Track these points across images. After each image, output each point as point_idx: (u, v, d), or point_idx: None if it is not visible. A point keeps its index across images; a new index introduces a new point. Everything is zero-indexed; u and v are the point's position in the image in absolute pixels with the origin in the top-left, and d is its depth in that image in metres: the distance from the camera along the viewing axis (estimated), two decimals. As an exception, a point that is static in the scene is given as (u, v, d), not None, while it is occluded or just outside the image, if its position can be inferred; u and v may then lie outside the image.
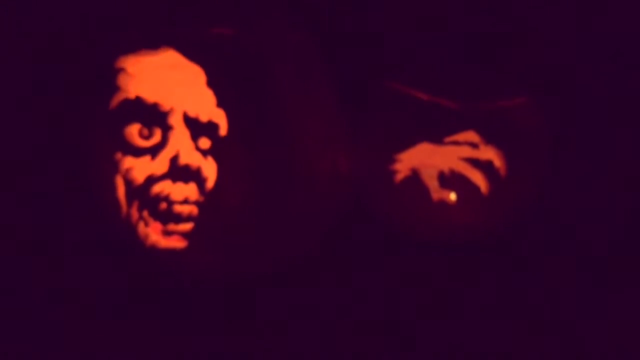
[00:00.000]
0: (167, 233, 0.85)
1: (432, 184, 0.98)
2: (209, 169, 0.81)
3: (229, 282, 0.92)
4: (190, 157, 0.81)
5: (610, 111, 1.24)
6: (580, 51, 1.21)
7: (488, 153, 0.95)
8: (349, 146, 0.95)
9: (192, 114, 0.80)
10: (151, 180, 0.83)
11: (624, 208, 1.14)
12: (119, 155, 0.83)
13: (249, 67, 0.83)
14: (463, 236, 1.03)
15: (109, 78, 0.84)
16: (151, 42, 0.82)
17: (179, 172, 0.82)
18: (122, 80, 0.83)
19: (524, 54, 1.20)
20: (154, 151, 0.82)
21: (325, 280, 0.94)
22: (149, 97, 0.82)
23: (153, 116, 0.82)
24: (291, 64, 0.87)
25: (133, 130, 0.83)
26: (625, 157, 1.22)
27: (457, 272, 0.99)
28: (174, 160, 0.82)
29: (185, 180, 0.82)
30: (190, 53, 0.81)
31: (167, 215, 0.83)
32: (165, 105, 0.81)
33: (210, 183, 0.81)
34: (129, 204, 0.86)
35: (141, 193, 0.84)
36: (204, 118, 0.80)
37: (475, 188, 0.97)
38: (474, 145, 0.95)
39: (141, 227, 0.86)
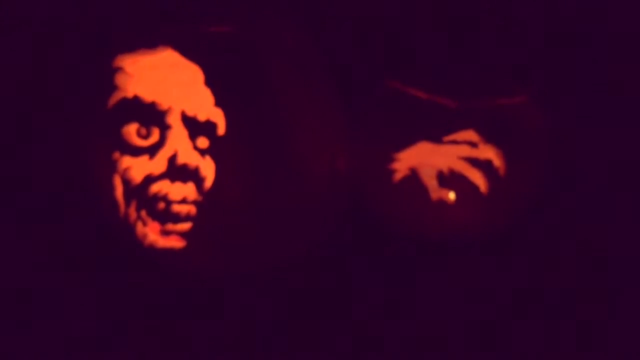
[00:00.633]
0: (165, 233, 0.85)
1: (431, 183, 0.98)
2: (207, 169, 0.81)
3: (227, 281, 0.92)
4: (189, 156, 0.81)
5: (610, 111, 1.24)
6: (580, 48, 1.20)
7: (487, 152, 0.94)
8: (348, 145, 0.95)
9: (190, 113, 0.80)
10: (149, 179, 0.83)
11: (625, 207, 1.14)
12: (116, 154, 0.83)
13: (247, 66, 0.83)
14: (462, 235, 1.02)
15: (107, 77, 0.83)
16: (149, 41, 0.82)
17: (177, 171, 0.82)
18: (120, 79, 0.83)
19: (523, 51, 1.20)
20: (152, 150, 0.82)
21: (324, 280, 0.94)
22: (147, 96, 0.81)
23: (151, 115, 0.81)
24: (289, 62, 0.87)
25: (131, 130, 0.83)
26: (626, 156, 1.22)
27: (456, 272, 0.99)
28: (172, 159, 0.82)
29: (184, 180, 0.82)
30: (188, 52, 0.81)
31: (165, 215, 0.83)
32: (163, 104, 0.81)
33: (208, 182, 0.81)
34: (127, 204, 0.85)
35: (139, 192, 0.84)
36: (202, 117, 0.80)
37: (475, 187, 0.96)
38: (473, 145, 0.95)
39: (139, 226, 0.86)
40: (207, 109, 0.80)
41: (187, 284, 0.91)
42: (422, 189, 0.99)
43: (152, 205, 0.83)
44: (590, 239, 1.08)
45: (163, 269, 0.92)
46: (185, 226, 0.84)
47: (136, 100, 0.82)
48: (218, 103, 0.80)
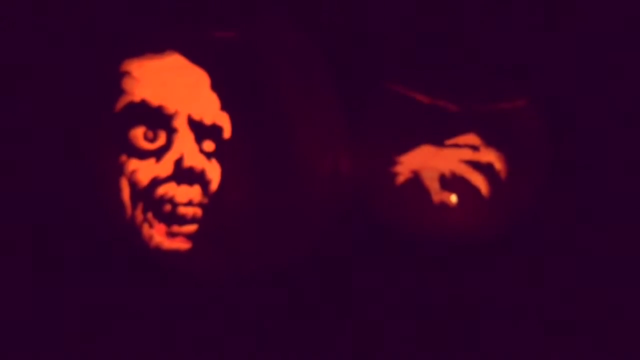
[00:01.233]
0: (171, 235, 0.86)
1: (433, 186, 0.99)
2: (213, 172, 0.82)
3: (232, 282, 0.93)
4: (195, 159, 0.82)
5: (609, 112, 1.24)
6: (579, 55, 1.21)
7: (489, 155, 0.96)
8: (350, 148, 0.96)
9: (196, 116, 0.81)
10: (156, 182, 0.84)
11: (623, 208, 1.15)
12: (123, 157, 0.84)
13: (252, 70, 0.84)
14: (464, 238, 1.03)
15: (114, 81, 0.84)
16: (156, 46, 0.83)
17: (184, 174, 0.83)
18: (127, 83, 0.84)
19: (523, 56, 1.21)
20: (158, 154, 0.83)
21: (326, 281, 0.95)
22: (154, 100, 0.82)
23: (158, 119, 0.82)
24: (293, 66, 0.88)
25: (138, 133, 0.84)
26: (625, 157, 1.23)
27: (458, 274, 0.99)
28: (179, 162, 0.83)
29: (190, 183, 0.83)
30: (195, 56, 0.82)
31: (171, 217, 0.84)
32: (170, 108, 0.82)
33: (214, 185, 0.82)
34: (134, 206, 0.87)
35: (146, 195, 0.85)
36: (208, 121, 0.81)
37: (476, 190, 0.97)
38: (474, 148, 0.96)
39: (145, 228, 0.87)
40: (213, 112, 0.81)
41: (191, 285, 0.92)
42: (424, 191, 1.00)
43: (158, 207, 0.85)
44: (590, 239, 1.09)
45: (169, 271, 0.93)
46: (191, 228, 0.85)
47: (143, 104, 0.83)
48: (224, 107, 0.81)
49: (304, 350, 0.80)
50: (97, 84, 0.89)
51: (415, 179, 0.99)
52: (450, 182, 0.98)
